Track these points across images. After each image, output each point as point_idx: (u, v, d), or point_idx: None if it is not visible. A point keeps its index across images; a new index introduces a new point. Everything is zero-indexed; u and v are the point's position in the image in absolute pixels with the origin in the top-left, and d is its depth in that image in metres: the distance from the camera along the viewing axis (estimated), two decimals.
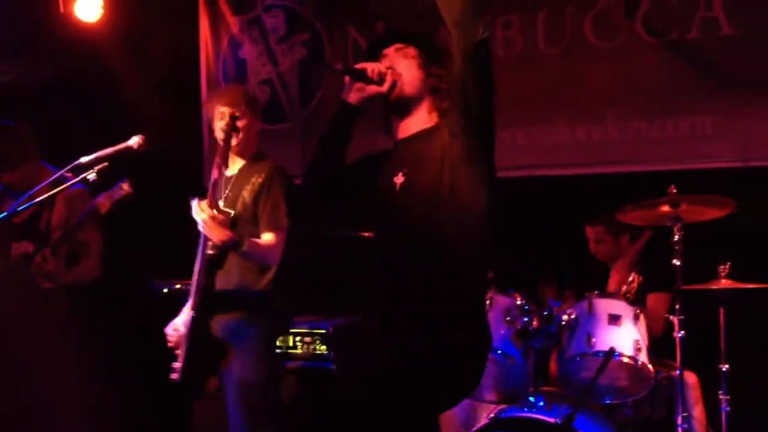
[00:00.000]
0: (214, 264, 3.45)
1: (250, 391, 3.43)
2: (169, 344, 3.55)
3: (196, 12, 5.90)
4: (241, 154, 3.65)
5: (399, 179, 2.64)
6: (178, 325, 3.56)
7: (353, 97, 2.66)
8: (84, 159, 3.31)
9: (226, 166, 3.61)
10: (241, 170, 3.63)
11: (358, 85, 2.65)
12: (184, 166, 5.59)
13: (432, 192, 2.54)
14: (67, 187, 3.42)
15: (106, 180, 3.48)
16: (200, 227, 3.30)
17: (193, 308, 3.40)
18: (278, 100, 5.73)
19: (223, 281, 3.49)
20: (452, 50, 2.49)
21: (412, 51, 2.69)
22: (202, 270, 3.40)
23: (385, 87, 2.63)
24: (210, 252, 3.41)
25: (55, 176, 3.46)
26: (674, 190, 3.65)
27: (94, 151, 3.32)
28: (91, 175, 3.31)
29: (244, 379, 3.43)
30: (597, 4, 4.92)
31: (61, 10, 5.00)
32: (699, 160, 4.68)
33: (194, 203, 3.30)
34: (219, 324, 3.48)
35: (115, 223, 4.05)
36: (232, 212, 3.47)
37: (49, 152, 4.04)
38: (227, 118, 3.51)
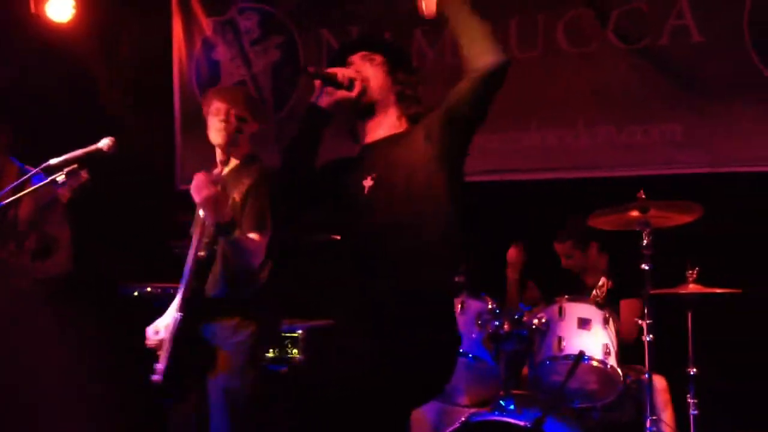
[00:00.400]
0: (204, 267, 3.41)
1: (235, 397, 3.37)
2: (148, 345, 3.52)
3: (169, 13, 5.87)
4: (234, 154, 3.60)
5: (368, 183, 2.65)
6: (160, 327, 3.53)
7: (323, 101, 2.68)
8: (53, 161, 3.28)
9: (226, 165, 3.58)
10: (232, 170, 3.58)
11: (329, 89, 2.67)
12: (155, 168, 5.55)
13: (401, 195, 2.55)
14: (40, 186, 3.39)
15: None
16: (200, 203, 3.20)
17: (180, 309, 3.35)
18: None
19: (212, 285, 3.45)
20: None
21: (378, 58, 2.71)
22: (192, 271, 3.36)
23: (355, 92, 2.66)
24: (201, 254, 3.37)
25: (28, 176, 3.43)
26: (643, 196, 3.69)
27: (64, 153, 3.30)
28: (60, 177, 3.28)
29: (230, 386, 3.37)
30: (569, 11, 4.96)
31: (33, 10, 4.96)
32: (668, 166, 4.73)
33: (200, 176, 3.24)
34: (207, 328, 3.43)
35: (85, 225, 4.03)
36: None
37: (18, 153, 4.01)
38: (232, 119, 3.49)
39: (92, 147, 3.33)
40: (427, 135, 2.60)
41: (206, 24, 5.79)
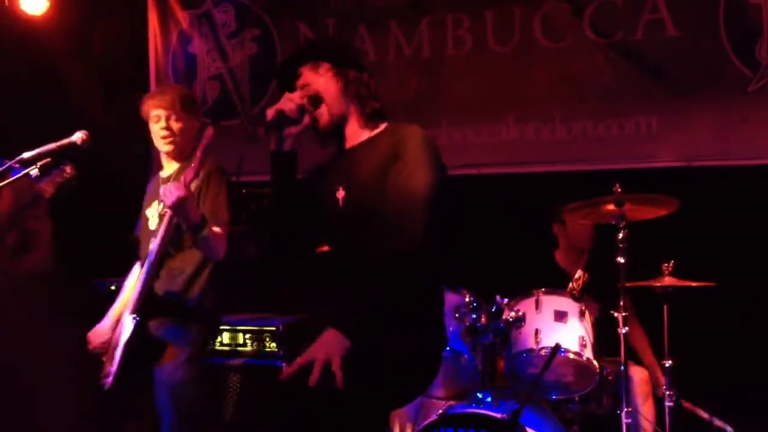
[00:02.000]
0: (159, 266, 3.41)
1: (180, 390, 3.41)
2: (91, 349, 3.54)
3: (144, 6, 5.82)
4: (177, 158, 3.60)
5: (341, 194, 2.65)
6: (102, 331, 3.55)
7: (286, 144, 2.67)
8: (26, 154, 3.25)
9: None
10: (178, 171, 3.57)
11: (287, 131, 2.65)
12: (130, 161, 5.50)
13: (374, 205, 2.54)
14: (14, 180, 3.35)
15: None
16: (172, 206, 3.19)
17: (135, 312, 3.34)
18: (229, 96, 5.69)
19: (160, 287, 3.46)
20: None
21: (324, 66, 2.69)
22: (150, 274, 3.35)
23: (308, 118, 2.65)
24: (154, 253, 3.35)
25: (2, 168, 3.40)
26: (619, 189, 3.71)
27: (37, 146, 3.26)
28: (34, 171, 3.25)
29: (174, 379, 3.41)
30: (545, 4, 4.98)
31: (6, 2, 4.90)
32: (643, 160, 4.76)
33: (170, 184, 3.23)
34: (154, 327, 3.45)
35: (60, 220, 4.00)
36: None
37: None
38: (173, 124, 3.47)
39: (66, 141, 3.31)
40: (395, 153, 2.58)
41: (182, 17, 5.75)
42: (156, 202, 3.57)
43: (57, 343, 4.02)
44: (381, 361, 2.48)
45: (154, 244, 3.36)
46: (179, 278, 3.48)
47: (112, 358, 3.43)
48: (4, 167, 3.37)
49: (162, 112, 3.51)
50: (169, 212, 3.25)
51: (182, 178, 3.25)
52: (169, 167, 3.63)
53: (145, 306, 3.35)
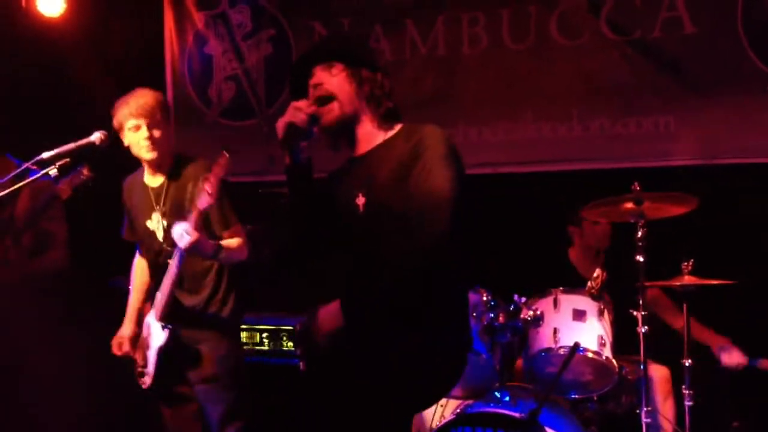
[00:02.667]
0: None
1: (222, 384, 3.49)
2: (119, 354, 3.63)
3: (160, 7, 5.84)
4: (159, 167, 3.56)
5: (360, 200, 2.61)
6: (125, 337, 3.66)
7: (301, 157, 2.65)
8: (45, 154, 3.27)
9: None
10: (170, 179, 3.55)
11: (301, 144, 2.63)
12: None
13: (396, 210, 2.51)
14: (33, 180, 3.37)
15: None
16: (185, 246, 3.26)
17: (164, 319, 3.44)
18: (245, 96, 5.70)
19: (179, 293, 3.54)
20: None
21: (338, 66, 2.65)
22: (174, 284, 3.41)
23: (324, 121, 2.62)
24: (175, 271, 3.40)
25: (19, 170, 3.42)
26: (638, 188, 3.69)
27: (55, 146, 3.28)
28: (53, 171, 3.27)
29: (216, 374, 3.49)
30: (561, 2, 4.95)
31: (23, 4, 4.93)
32: (662, 158, 4.74)
33: (179, 226, 3.26)
34: (185, 331, 3.52)
35: (77, 220, 4.01)
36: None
37: (9, 146, 3.99)
38: (154, 134, 3.42)
39: (84, 140, 3.33)
40: (414, 155, 2.54)
41: (198, 18, 5.76)
42: (157, 214, 3.56)
43: (69, 343, 4.04)
44: (405, 362, 2.46)
45: (172, 264, 3.39)
46: (201, 283, 3.55)
47: (146, 359, 3.49)
48: (21, 168, 3.40)
49: (142, 121, 3.44)
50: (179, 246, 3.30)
51: (191, 219, 3.24)
52: (156, 175, 3.58)
53: (172, 313, 3.44)
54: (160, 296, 3.46)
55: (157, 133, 3.46)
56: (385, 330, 2.48)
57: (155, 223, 3.58)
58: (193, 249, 3.27)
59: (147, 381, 3.54)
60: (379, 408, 2.41)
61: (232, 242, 3.47)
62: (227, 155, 3.25)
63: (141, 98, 3.49)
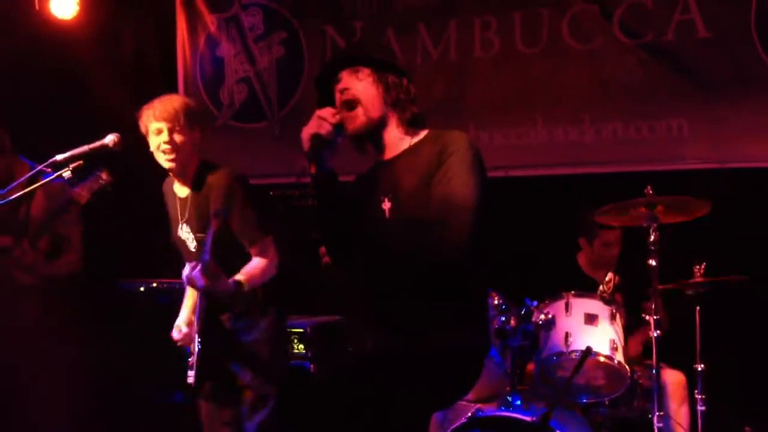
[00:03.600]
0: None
1: (265, 394, 3.42)
2: (179, 343, 3.51)
3: (172, 10, 5.86)
4: (181, 176, 3.44)
5: (386, 205, 2.61)
6: (181, 325, 3.53)
7: (326, 166, 2.63)
8: (59, 157, 3.28)
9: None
10: (193, 190, 3.43)
11: (326, 153, 2.61)
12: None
13: (421, 214, 2.51)
14: (47, 182, 3.38)
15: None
16: (203, 291, 3.21)
17: (200, 334, 3.32)
18: (256, 99, 5.70)
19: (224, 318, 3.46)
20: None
21: (364, 71, 2.64)
22: (202, 309, 3.32)
23: (350, 128, 2.62)
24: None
25: (33, 172, 3.43)
26: (650, 191, 3.67)
27: (68, 149, 3.29)
28: (66, 173, 3.28)
29: (259, 383, 3.42)
30: (573, 5, 4.94)
31: (36, 6, 4.95)
32: (675, 162, 4.72)
33: (190, 270, 3.17)
34: (229, 321, 3.45)
35: (90, 221, 4.02)
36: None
37: (23, 149, 4.01)
38: (176, 140, 3.32)
39: (98, 143, 3.34)
40: (439, 160, 2.54)
41: (210, 20, 5.77)
42: (185, 225, 3.47)
43: (80, 346, 4.05)
44: (425, 362, 2.47)
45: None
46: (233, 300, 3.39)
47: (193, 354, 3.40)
48: (35, 170, 3.41)
49: (165, 125, 3.34)
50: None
51: (202, 262, 3.13)
52: (183, 183, 3.48)
53: (206, 330, 3.32)
54: (197, 313, 3.35)
55: (178, 138, 3.34)
56: (407, 331, 2.49)
57: (185, 233, 3.48)
58: (208, 292, 3.20)
59: (191, 376, 3.34)
60: (399, 407, 2.42)
61: (254, 269, 3.32)
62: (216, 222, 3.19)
63: (167, 102, 3.41)
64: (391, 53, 2.90)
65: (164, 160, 3.39)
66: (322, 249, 2.79)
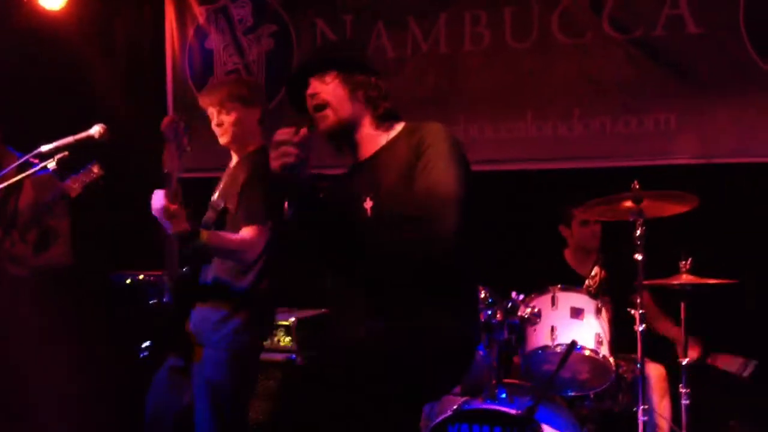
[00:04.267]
0: (196, 255, 3.39)
1: (219, 391, 3.33)
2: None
3: (162, 1, 5.83)
4: (239, 150, 3.57)
5: (368, 204, 2.61)
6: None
7: (302, 175, 2.51)
8: (44, 147, 3.28)
9: None
10: (237, 163, 3.57)
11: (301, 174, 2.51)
12: (147, 156, 5.53)
13: (404, 211, 2.50)
14: (34, 172, 3.38)
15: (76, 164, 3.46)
16: (157, 216, 3.18)
17: (173, 280, 3.33)
18: None
19: (204, 274, 3.45)
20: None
21: (331, 75, 2.64)
22: (174, 259, 3.32)
23: (320, 127, 2.60)
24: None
25: (19, 162, 3.43)
26: (637, 186, 3.68)
27: (55, 140, 3.28)
28: (51, 164, 3.27)
29: (214, 379, 3.34)
30: (563, 1, 4.94)
31: None
32: (662, 157, 4.73)
33: (157, 192, 3.19)
34: (194, 316, 3.42)
35: (78, 214, 4.02)
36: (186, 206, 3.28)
37: (12, 141, 4.00)
38: (224, 121, 3.48)
39: (83, 134, 3.33)
40: (417, 153, 2.54)
41: (199, 12, 5.74)
42: (216, 193, 3.57)
43: (71, 338, 4.05)
44: (413, 354, 2.47)
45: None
46: (226, 268, 3.41)
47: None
48: (21, 161, 3.40)
49: (212, 110, 3.53)
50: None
51: (165, 189, 3.17)
52: (234, 157, 3.62)
53: (175, 291, 3.32)
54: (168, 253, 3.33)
55: (226, 119, 3.49)
56: (396, 324, 2.49)
57: (214, 198, 3.58)
58: (163, 219, 3.14)
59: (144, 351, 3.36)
60: (388, 400, 2.42)
61: (229, 235, 3.31)
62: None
63: (215, 86, 3.77)
64: (357, 52, 2.90)
65: (219, 138, 3.55)
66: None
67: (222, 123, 3.50)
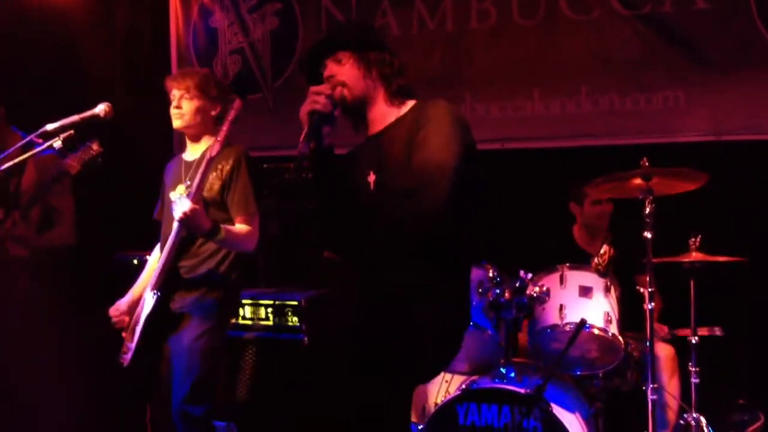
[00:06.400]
0: (182, 247, 3.45)
1: (197, 358, 3.41)
2: (116, 325, 3.56)
3: None
4: (193, 138, 3.62)
5: (371, 178, 2.63)
6: (123, 306, 3.57)
7: (325, 142, 2.62)
8: (49, 126, 3.27)
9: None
10: (203, 155, 3.53)
11: (324, 129, 2.61)
12: (152, 136, 5.51)
13: (402, 186, 2.50)
14: (37, 152, 3.36)
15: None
16: (178, 217, 3.25)
17: (158, 288, 3.39)
18: (250, 70, 5.66)
19: (188, 264, 3.49)
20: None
21: (344, 56, 2.68)
22: (172, 253, 3.39)
23: (334, 102, 2.62)
24: (182, 235, 3.40)
25: (23, 141, 3.41)
26: (646, 163, 3.65)
27: (60, 119, 3.27)
28: (57, 143, 3.26)
29: (193, 347, 3.42)
30: None
31: None
32: (671, 134, 4.70)
33: (175, 195, 3.29)
34: (177, 302, 3.48)
35: (83, 195, 4.00)
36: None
37: (15, 122, 3.98)
38: (185, 105, 3.52)
39: (88, 113, 3.32)
40: (417, 127, 2.56)
41: None
42: (182, 186, 3.56)
43: (74, 318, 4.05)
44: (402, 337, 2.46)
45: (172, 233, 3.38)
46: (205, 256, 3.50)
47: (133, 334, 3.46)
48: (25, 140, 3.39)
49: (176, 92, 3.54)
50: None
51: (193, 186, 3.29)
52: (192, 150, 3.64)
53: (166, 283, 3.40)
54: (158, 266, 3.44)
55: (187, 105, 3.53)
56: (387, 303, 2.49)
57: (176, 195, 3.56)
58: (186, 222, 3.24)
59: (127, 357, 3.46)
60: (379, 382, 2.41)
61: (236, 229, 3.44)
62: (240, 101, 3.32)
63: (185, 71, 3.76)
64: (369, 30, 2.91)
65: (173, 120, 3.58)
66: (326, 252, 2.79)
67: (181, 107, 3.54)
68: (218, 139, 3.30)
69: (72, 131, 3.27)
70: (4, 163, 3.35)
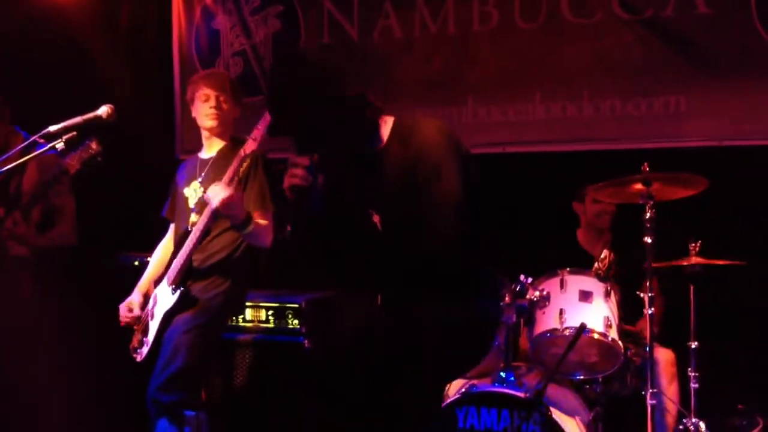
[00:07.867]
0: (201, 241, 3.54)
1: (181, 351, 3.45)
2: (124, 323, 3.64)
3: None
4: (220, 136, 3.73)
5: (376, 218, 2.62)
6: (134, 304, 3.65)
7: (314, 202, 2.58)
8: (52, 128, 3.27)
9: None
10: (220, 153, 3.69)
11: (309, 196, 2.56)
12: (155, 138, 5.52)
13: (410, 219, 2.51)
14: (39, 153, 3.37)
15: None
16: (217, 203, 3.29)
17: (177, 284, 3.47)
18: (252, 73, 5.67)
19: (197, 258, 3.57)
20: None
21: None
22: (194, 247, 3.47)
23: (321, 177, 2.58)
24: (208, 228, 3.49)
25: (26, 143, 3.42)
26: (647, 168, 3.65)
27: (63, 120, 3.27)
28: (59, 145, 3.26)
29: (179, 340, 3.46)
30: None
31: None
32: (672, 139, 4.69)
33: (216, 185, 3.34)
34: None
35: (85, 195, 4.01)
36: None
37: (19, 121, 3.98)
38: (222, 105, 3.64)
39: (91, 114, 3.34)
40: (417, 158, 2.51)
41: None
42: (196, 182, 3.67)
43: (76, 319, 4.05)
44: (436, 334, 2.51)
45: (196, 227, 3.46)
46: (213, 251, 3.61)
47: (146, 330, 3.50)
48: (28, 141, 3.39)
49: (212, 92, 3.64)
50: (211, 205, 3.34)
51: (228, 174, 3.37)
52: (210, 148, 3.73)
53: (185, 278, 3.49)
54: (176, 261, 3.52)
55: (224, 106, 3.66)
56: (420, 305, 2.54)
57: (191, 191, 3.70)
58: (226, 208, 3.30)
59: (144, 352, 3.53)
60: (414, 378, 2.47)
61: (262, 221, 3.52)
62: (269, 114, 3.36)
63: (216, 73, 3.99)
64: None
65: (207, 120, 3.69)
66: None
67: (220, 107, 3.65)
68: (254, 137, 3.36)
69: (74, 132, 3.28)
70: (7, 163, 3.36)
